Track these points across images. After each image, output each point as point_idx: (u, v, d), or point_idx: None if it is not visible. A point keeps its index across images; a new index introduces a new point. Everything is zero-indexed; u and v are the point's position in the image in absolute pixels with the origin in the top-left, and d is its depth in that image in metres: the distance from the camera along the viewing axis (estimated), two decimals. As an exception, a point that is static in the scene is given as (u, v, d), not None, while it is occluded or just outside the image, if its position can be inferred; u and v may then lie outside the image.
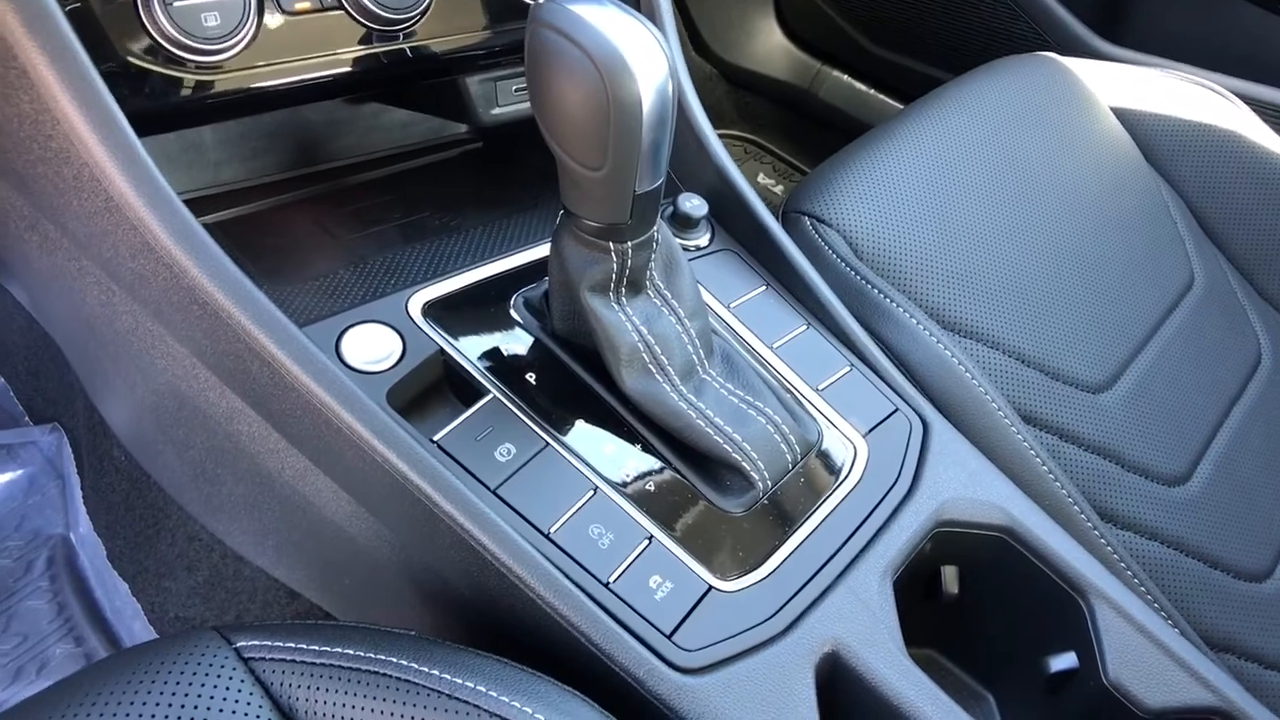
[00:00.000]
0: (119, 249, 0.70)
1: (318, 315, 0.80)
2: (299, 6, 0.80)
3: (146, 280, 0.70)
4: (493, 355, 0.81)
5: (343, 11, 0.82)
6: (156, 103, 0.77)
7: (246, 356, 0.70)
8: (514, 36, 0.92)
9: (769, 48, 2.31)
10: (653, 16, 0.96)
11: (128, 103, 0.67)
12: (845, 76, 2.23)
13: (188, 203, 0.69)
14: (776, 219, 0.99)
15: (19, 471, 1.47)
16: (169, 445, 0.93)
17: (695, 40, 2.35)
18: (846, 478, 0.83)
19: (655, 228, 0.74)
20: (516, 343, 0.83)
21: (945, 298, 1.02)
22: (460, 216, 1.02)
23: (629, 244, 0.73)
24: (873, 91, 2.19)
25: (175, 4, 0.73)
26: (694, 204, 0.93)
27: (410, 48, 0.87)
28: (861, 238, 1.05)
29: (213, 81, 0.78)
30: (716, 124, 2.42)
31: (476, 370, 0.79)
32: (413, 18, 0.84)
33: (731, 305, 0.91)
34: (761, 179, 2.28)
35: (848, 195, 1.08)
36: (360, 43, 0.84)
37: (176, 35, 0.74)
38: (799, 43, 2.29)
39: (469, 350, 0.80)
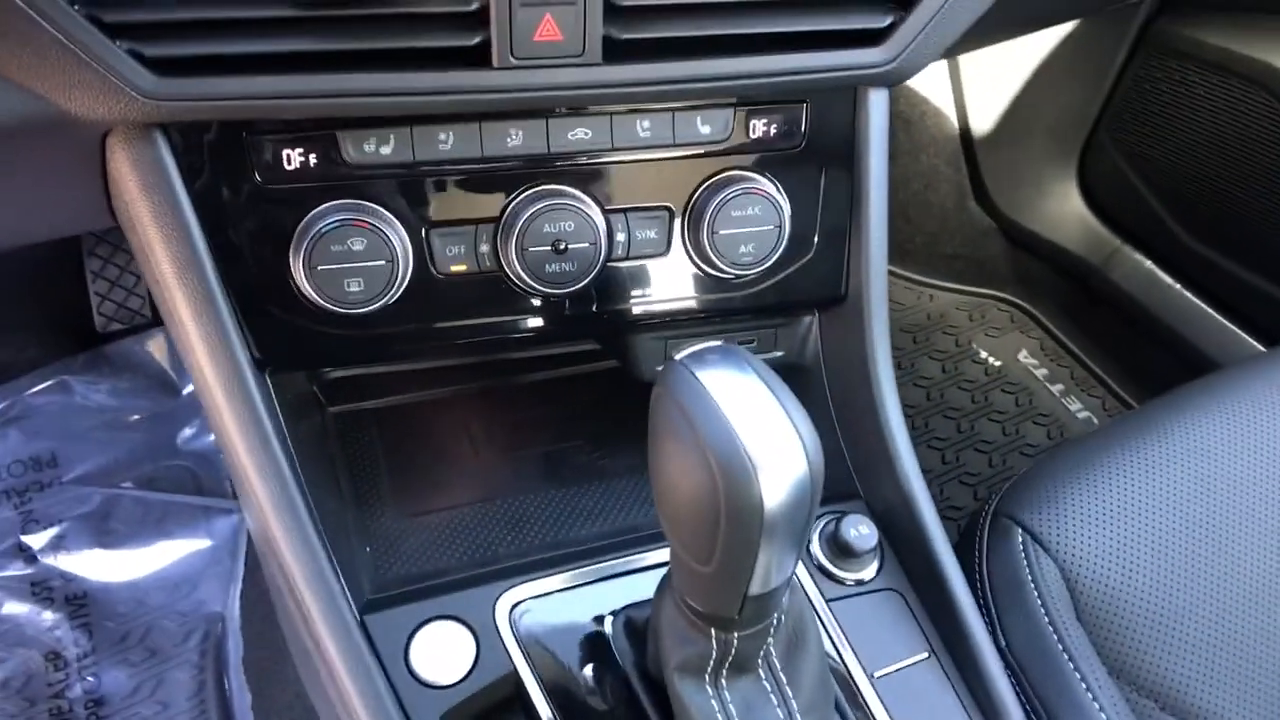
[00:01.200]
0: None
1: (411, 577, 0.75)
2: (454, 269, 0.73)
3: None
4: (569, 684, 0.70)
5: (501, 275, 0.74)
6: (300, 350, 0.74)
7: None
8: (686, 305, 0.81)
9: (1063, 213, 2.05)
10: (858, 208, 0.81)
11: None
12: (1147, 262, 1.94)
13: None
14: (985, 516, 0.81)
15: (206, 542, 1.53)
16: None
17: (978, 189, 2.14)
18: None
19: (773, 619, 0.60)
20: (603, 672, 0.71)
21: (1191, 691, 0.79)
22: (613, 454, 0.93)
23: (736, 635, 0.59)
24: (1177, 286, 1.89)
25: (319, 267, 0.68)
26: (861, 532, 0.77)
27: (574, 314, 0.78)
28: (1085, 581, 0.84)
29: (354, 336, 0.74)
30: (985, 282, 2.19)
31: (547, 705, 0.68)
32: (576, 290, 0.74)
33: (877, 676, 0.74)
34: (1023, 357, 2.02)
35: (1081, 515, 0.88)
36: (520, 305, 0.76)
37: (318, 299, 0.70)
38: (1099, 213, 2.02)
39: (547, 674, 0.70)
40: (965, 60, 2.10)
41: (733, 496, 0.51)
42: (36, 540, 1.49)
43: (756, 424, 0.52)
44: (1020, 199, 2.10)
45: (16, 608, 1.44)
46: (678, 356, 0.57)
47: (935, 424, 1.87)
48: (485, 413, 0.97)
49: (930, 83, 2.12)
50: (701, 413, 0.52)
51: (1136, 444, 0.95)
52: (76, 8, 0.58)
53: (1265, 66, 1.59)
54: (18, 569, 1.47)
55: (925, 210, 2.16)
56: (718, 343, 0.57)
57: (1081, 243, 2.04)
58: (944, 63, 2.11)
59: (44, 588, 1.46)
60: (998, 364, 2.00)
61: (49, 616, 1.43)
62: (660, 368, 0.60)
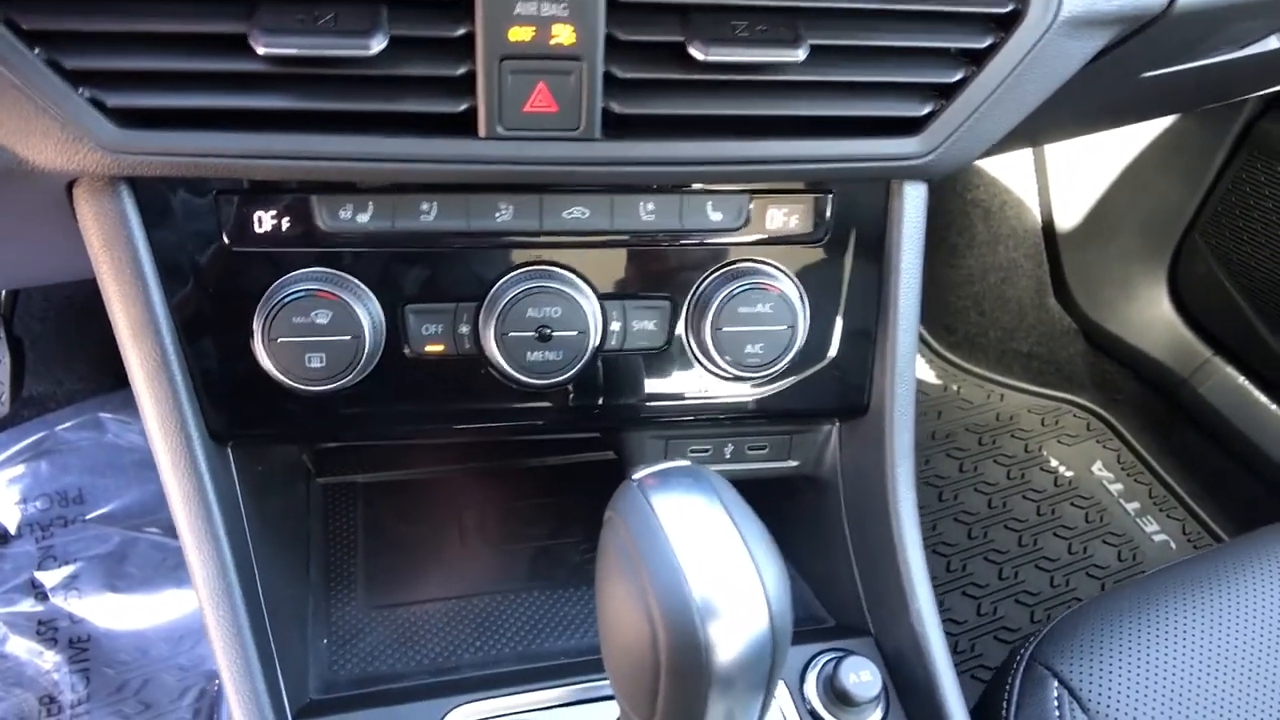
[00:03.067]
0: None
1: (364, 678, 0.72)
2: (429, 350, 0.67)
3: None
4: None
5: (480, 360, 0.68)
6: (260, 425, 0.68)
7: None
8: (685, 405, 0.73)
9: (1149, 318, 1.92)
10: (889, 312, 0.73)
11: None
12: (1239, 376, 1.79)
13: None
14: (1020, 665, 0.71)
15: (216, 592, 1.49)
16: None
17: (1058, 286, 2.02)
18: None
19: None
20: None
21: None
22: None
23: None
24: (1272, 407, 1.73)
25: (279, 339, 0.63)
26: (862, 679, 0.68)
27: (556, 406, 0.71)
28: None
29: (317, 414, 0.68)
30: (1061, 386, 2.06)
31: None
32: (560, 381, 0.68)
33: None
34: (1097, 469, 1.88)
35: (1128, 672, 0.77)
36: (499, 394, 0.70)
37: (276, 373, 0.64)
38: (1189, 321, 1.88)
39: None
40: (1051, 148, 2.00)
41: (674, 650, 0.43)
42: (50, 578, 1.47)
43: (711, 564, 0.44)
44: (1104, 300, 1.98)
45: (20, 646, 1.41)
46: (635, 476, 0.49)
47: (995, 535, 1.74)
48: (477, 496, 0.91)
49: (1012, 170, 2.02)
50: (648, 546, 0.45)
51: (1201, 594, 0.83)
52: (37, 52, 0.54)
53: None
54: (28, 606, 1.45)
55: (1001, 305, 2.05)
56: (683, 462, 0.50)
57: (1168, 351, 1.90)
58: (1028, 150, 2.01)
59: (50, 627, 1.44)
60: (1069, 474, 1.86)
61: (50, 658, 1.40)
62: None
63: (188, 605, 1.47)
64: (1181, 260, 1.89)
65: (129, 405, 1.65)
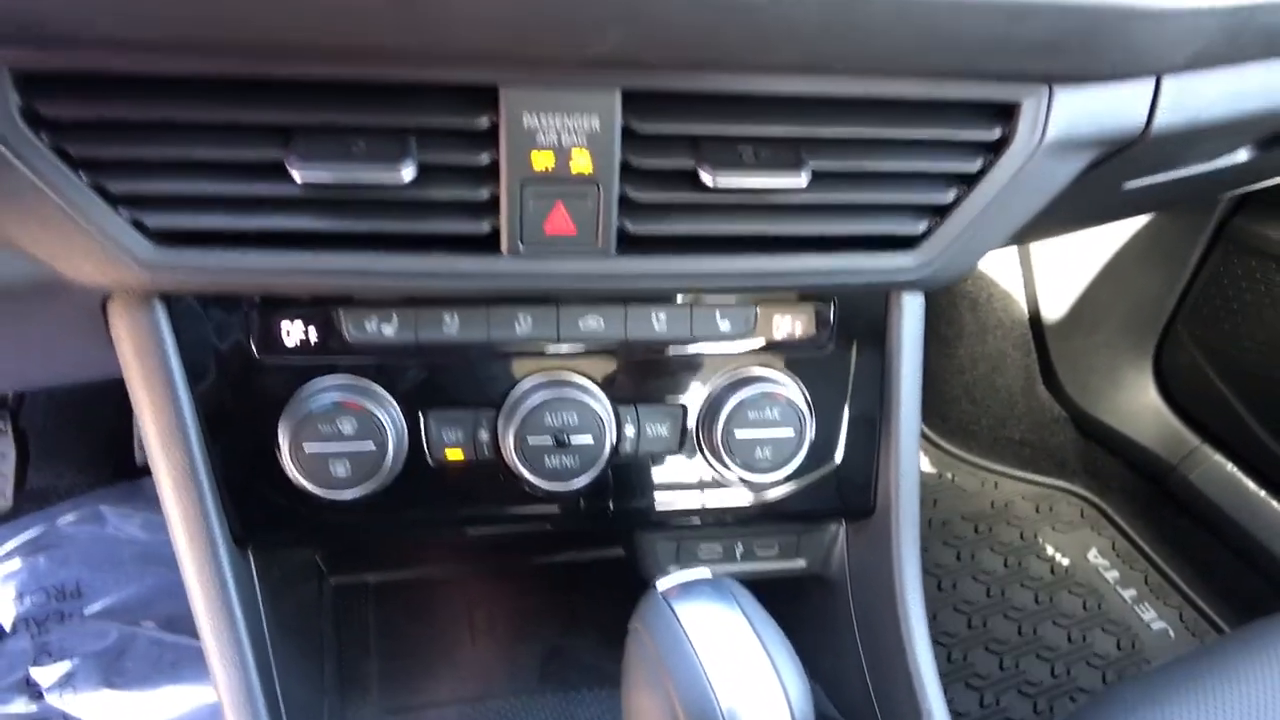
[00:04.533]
0: None
1: None
2: (449, 457, 0.69)
3: None
4: None
5: (498, 464, 0.70)
6: (285, 530, 0.70)
7: None
8: (698, 506, 0.75)
9: (1137, 406, 1.96)
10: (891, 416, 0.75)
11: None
12: (1228, 464, 1.82)
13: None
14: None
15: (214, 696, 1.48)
16: None
17: (1047, 375, 2.06)
18: None
19: None
20: None
21: None
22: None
23: None
24: (1262, 494, 1.75)
25: (306, 447, 0.65)
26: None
27: (575, 510, 0.73)
28: None
29: (341, 520, 0.70)
30: (1054, 472, 2.08)
31: None
32: (577, 486, 0.70)
33: None
34: (1093, 556, 1.89)
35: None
36: (519, 498, 0.72)
37: (302, 481, 0.66)
38: (1176, 409, 1.92)
39: None
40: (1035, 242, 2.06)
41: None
42: (46, 676, 1.46)
43: (737, 676, 0.46)
44: (1092, 388, 2.01)
45: (13, 748, 1.39)
46: (659, 587, 0.51)
47: (994, 625, 1.74)
48: (490, 595, 0.92)
49: (999, 264, 2.08)
50: (675, 659, 0.46)
51: (1207, 694, 0.84)
52: (83, 177, 0.58)
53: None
54: (21, 706, 1.43)
55: (992, 393, 2.08)
56: (705, 573, 0.52)
57: (1157, 439, 1.93)
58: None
59: (44, 728, 1.42)
60: (1065, 562, 1.87)
61: (44, 760, 1.38)
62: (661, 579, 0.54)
63: (185, 703, 1.45)
64: (1166, 350, 1.93)
65: (130, 497, 1.65)
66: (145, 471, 1.67)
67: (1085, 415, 2.01)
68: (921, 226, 0.69)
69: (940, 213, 0.69)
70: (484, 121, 0.60)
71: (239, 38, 0.53)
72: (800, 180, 0.63)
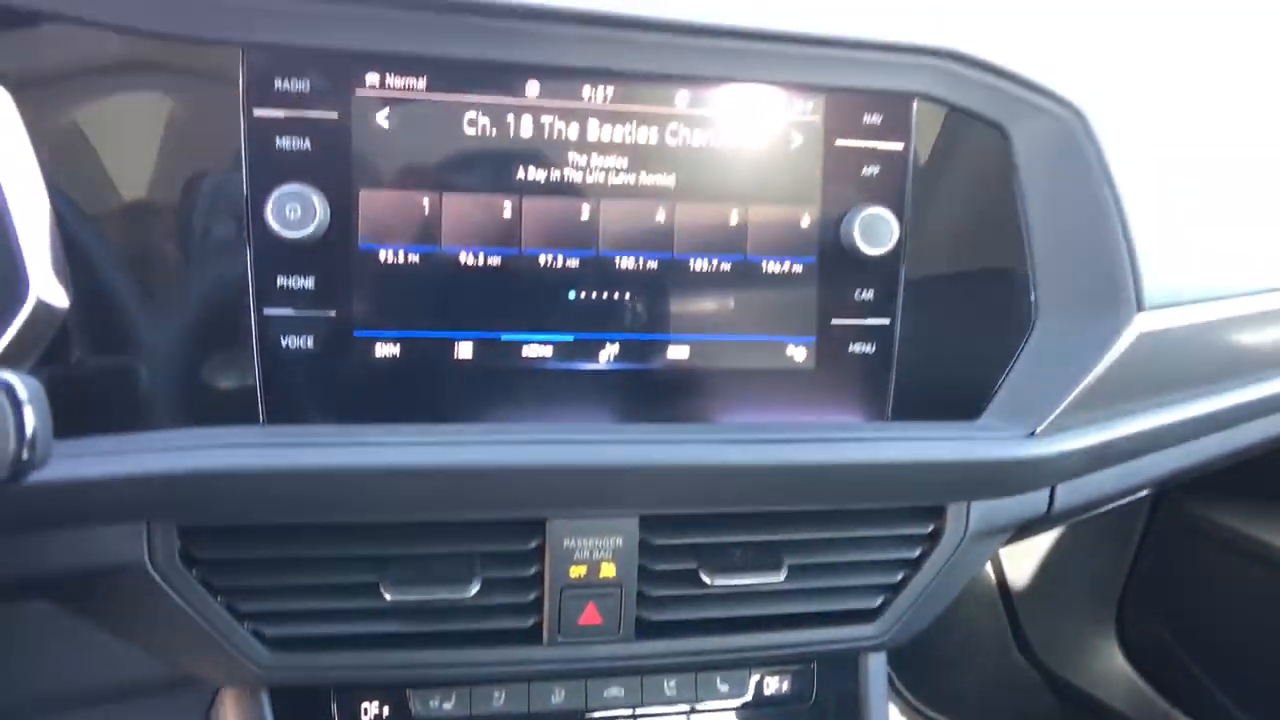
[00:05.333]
0: None
1: None
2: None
3: None
4: None
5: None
6: None
7: None
8: None
9: (1107, 671, 2.07)
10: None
11: None
12: (1200, 732, 1.90)
13: None
14: None
15: None
16: None
17: (1020, 642, 2.17)
18: None
19: None
20: None
21: None
22: None
23: None
24: (1234, 762, 1.83)
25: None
26: None
27: None
28: None
29: None
30: (1039, 744, 2.10)
31: None
32: None
33: None
34: (1081, 826, 1.94)
35: None
36: None
37: None
38: (1144, 674, 2.02)
39: None
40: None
41: None
42: None
43: None
44: (1063, 653, 2.12)
45: None
46: None
47: None
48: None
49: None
50: None
51: None
52: (219, 600, 0.74)
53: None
54: None
55: (968, 660, 2.19)
56: None
57: (1129, 704, 2.02)
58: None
59: None
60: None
61: None
62: None
63: None
64: (1126, 617, 2.05)
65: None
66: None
67: (1059, 680, 2.11)
68: (878, 601, 0.86)
69: (893, 589, 0.86)
70: (533, 544, 0.78)
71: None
72: (780, 576, 0.80)
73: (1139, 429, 0.82)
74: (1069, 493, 0.88)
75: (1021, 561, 2.19)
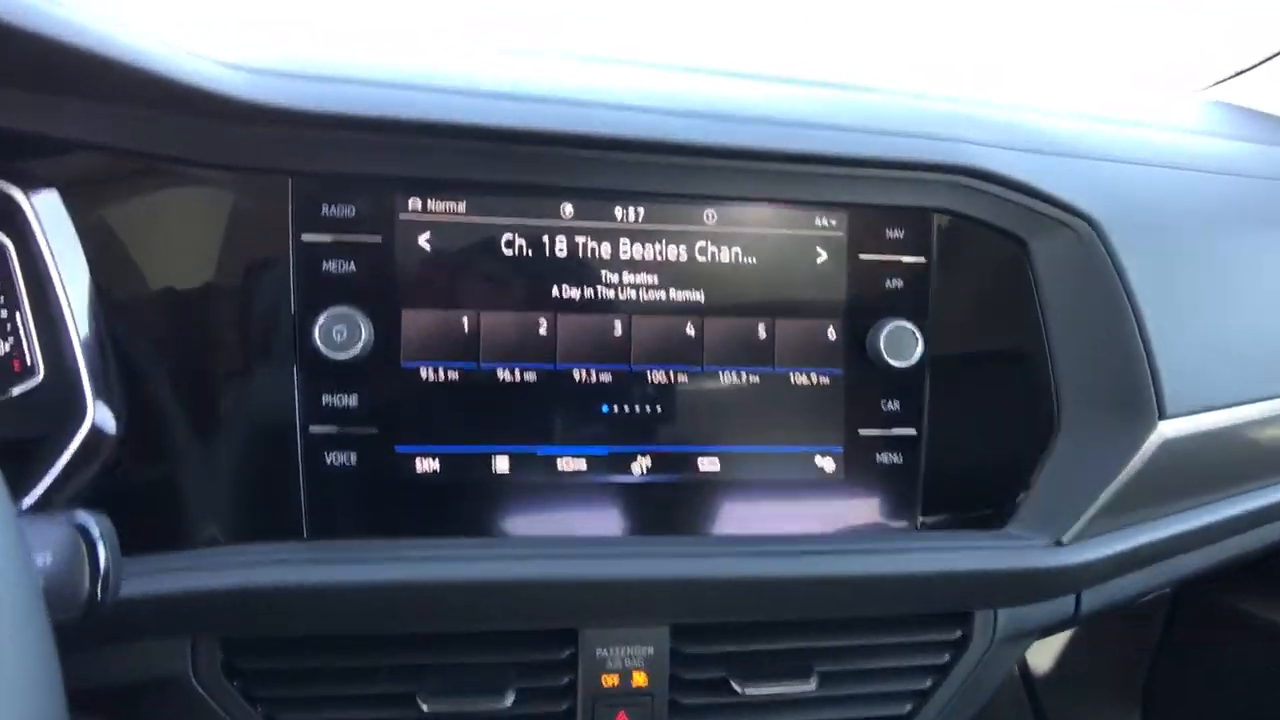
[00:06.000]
0: None
1: None
2: None
3: None
4: None
5: None
6: None
7: None
8: None
9: (1135, 763, 2.02)
10: None
11: None
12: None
13: None
14: None
15: None
16: None
17: (1043, 729, 2.13)
18: None
19: None
20: None
21: None
22: None
23: None
24: None
25: None
26: None
27: None
28: None
29: None
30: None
31: None
32: None
33: None
34: None
35: None
36: None
37: None
38: (1172, 766, 1.98)
39: None
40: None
41: None
42: None
43: None
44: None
45: None
46: None
47: None
48: None
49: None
50: None
51: None
52: (259, 709, 0.75)
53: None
54: None
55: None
56: None
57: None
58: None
59: None
60: None
61: None
62: None
63: None
64: (1154, 706, 2.03)
65: None
66: None
67: (1088, 772, 2.07)
68: (907, 708, 0.86)
69: (923, 696, 0.86)
70: (567, 654, 0.78)
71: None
72: (811, 684, 0.80)
73: (1164, 535, 0.83)
74: (1094, 596, 0.89)
75: (1045, 651, 2.17)
